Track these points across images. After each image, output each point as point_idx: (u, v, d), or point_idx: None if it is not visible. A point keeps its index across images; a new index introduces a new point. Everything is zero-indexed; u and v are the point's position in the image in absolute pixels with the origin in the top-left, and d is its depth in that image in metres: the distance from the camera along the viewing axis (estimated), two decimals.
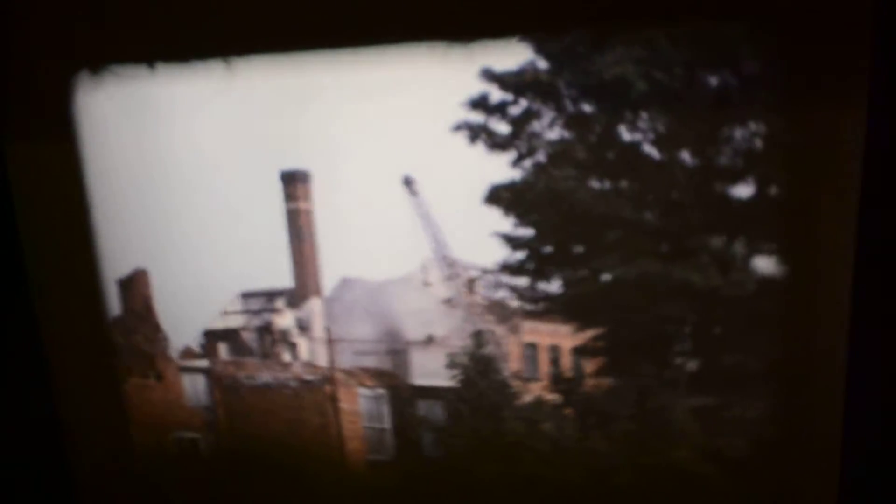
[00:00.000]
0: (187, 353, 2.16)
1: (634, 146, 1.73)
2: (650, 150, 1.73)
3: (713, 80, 1.63)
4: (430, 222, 1.89)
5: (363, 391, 2.09)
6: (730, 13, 1.57)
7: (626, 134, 1.73)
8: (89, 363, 2.19)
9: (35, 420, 2.21)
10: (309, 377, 2.11)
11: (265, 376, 2.13)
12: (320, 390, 2.11)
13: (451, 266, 1.93)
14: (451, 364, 1.99)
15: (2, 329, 2.14)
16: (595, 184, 1.78)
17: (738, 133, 1.65)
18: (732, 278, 1.73)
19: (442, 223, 1.88)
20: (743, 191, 1.69)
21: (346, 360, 2.09)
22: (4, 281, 2.11)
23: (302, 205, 1.98)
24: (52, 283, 2.13)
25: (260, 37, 1.84)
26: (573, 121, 1.76)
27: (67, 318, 2.15)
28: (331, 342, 2.09)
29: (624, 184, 1.77)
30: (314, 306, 2.07)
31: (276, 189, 1.96)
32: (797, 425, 1.78)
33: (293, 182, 1.96)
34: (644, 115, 1.70)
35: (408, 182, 1.87)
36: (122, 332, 2.16)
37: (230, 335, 2.13)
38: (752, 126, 1.64)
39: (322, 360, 2.10)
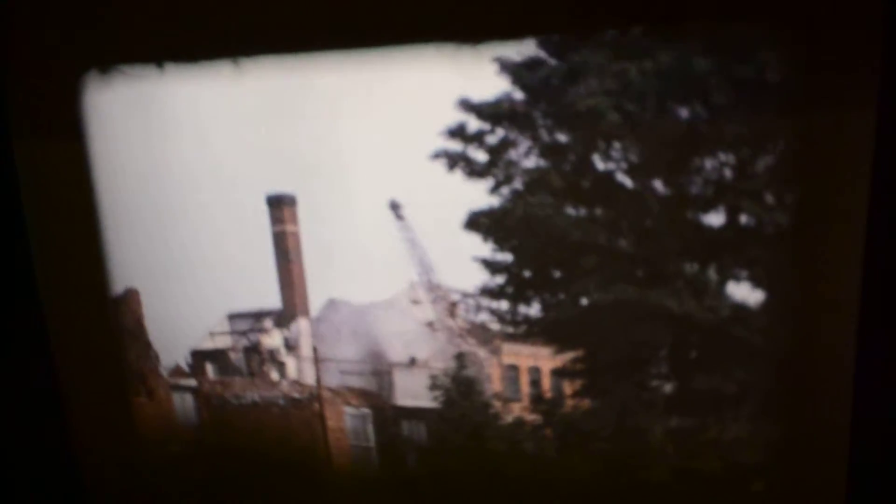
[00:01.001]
0: (177, 371, 2.23)
1: (608, 175, 1.79)
2: (623, 179, 1.79)
3: (683, 112, 1.70)
4: (417, 246, 1.95)
5: (349, 410, 2.15)
6: (738, 13, 1.62)
7: (600, 163, 1.79)
8: (96, 361, 2.24)
9: (40, 413, 2.27)
10: (296, 395, 2.17)
11: (253, 394, 2.20)
12: (308, 408, 2.17)
13: (436, 289, 2.00)
14: (434, 385, 2.05)
15: (9, 325, 2.18)
16: (571, 211, 1.84)
17: (709, 163, 1.72)
18: (706, 304, 1.80)
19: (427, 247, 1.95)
20: (714, 219, 1.76)
21: (332, 379, 2.15)
22: (12, 278, 2.16)
23: (289, 227, 2.04)
24: (60, 281, 2.17)
25: (269, 37, 1.87)
26: (548, 150, 1.82)
27: (75, 315, 2.20)
28: (318, 361, 2.15)
29: (599, 211, 1.83)
30: (302, 326, 2.13)
31: (264, 211, 2.04)
32: (804, 433, 1.83)
33: (279, 205, 2.02)
34: (617, 144, 1.77)
35: (394, 206, 1.93)
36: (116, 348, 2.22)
37: (218, 355, 2.20)
38: (722, 156, 1.71)
39: (309, 378, 2.16)
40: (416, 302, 2.02)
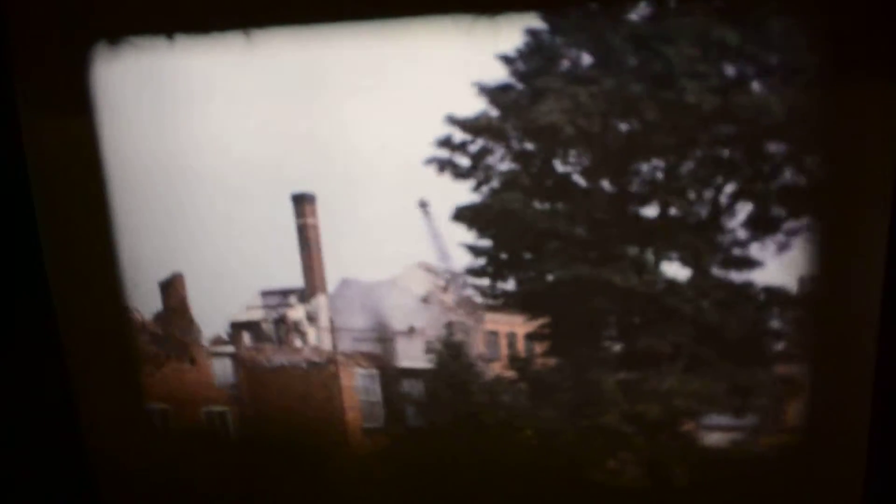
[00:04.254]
0: (217, 341, 2.55)
1: (566, 176, 2.16)
2: (578, 179, 2.16)
3: (623, 126, 2.12)
4: (438, 237, 2.24)
5: (359, 371, 2.45)
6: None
7: (559, 166, 2.15)
8: (105, 336, 2.39)
9: (50, 402, 2.42)
10: (316, 359, 2.48)
11: (281, 359, 2.51)
12: (326, 370, 2.48)
13: (452, 273, 2.30)
14: (429, 349, 2.37)
15: (17, 303, 2.26)
16: (537, 205, 2.20)
17: (644, 167, 2.13)
18: (645, 279, 2.18)
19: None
20: (650, 211, 2.15)
21: (346, 346, 2.45)
22: (20, 253, 2.22)
23: (309, 220, 2.35)
24: (68, 258, 2.28)
25: (281, 7, 1.94)
26: (518, 156, 2.17)
27: (83, 290, 2.33)
28: (334, 331, 2.45)
29: (559, 205, 2.18)
30: (321, 302, 2.43)
31: (289, 206, 2.35)
32: (825, 417, 2.03)
33: (302, 202, 2.34)
34: (572, 151, 2.14)
35: (423, 205, 2.22)
36: (163, 325, 2.50)
37: (252, 326, 2.50)
38: (655, 161, 2.14)
39: (327, 345, 2.47)
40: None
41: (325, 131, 2.17)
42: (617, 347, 2.26)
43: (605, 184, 2.15)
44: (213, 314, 2.51)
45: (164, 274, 2.45)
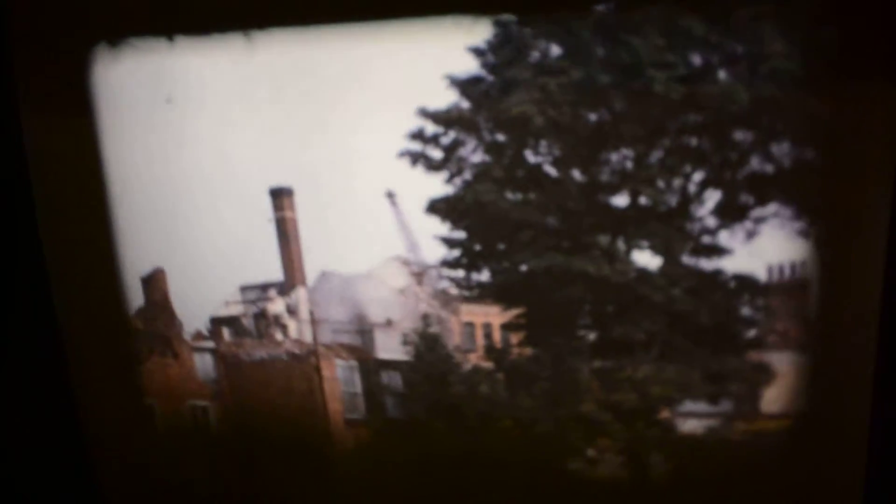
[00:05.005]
0: (198, 335, 2.56)
1: (538, 166, 2.18)
2: (549, 170, 2.18)
3: (592, 116, 2.14)
4: (407, 229, 2.25)
5: (340, 362, 2.48)
6: None
7: (530, 157, 2.17)
8: (106, 334, 2.41)
9: (51, 400, 2.42)
10: (297, 351, 2.50)
11: (261, 353, 2.53)
12: (307, 362, 2.50)
13: (422, 265, 2.33)
14: (406, 341, 2.39)
15: (18, 303, 2.27)
16: (510, 196, 2.21)
17: (614, 156, 2.15)
18: (617, 268, 2.20)
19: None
20: (621, 200, 2.16)
21: (326, 338, 2.48)
22: (20, 252, 2.22)
23: (288, 214, 2.35)
24: (69, 257, 2.29)
25: (281, 8, 1.96)
26: (490, 147, 2.19)
27: (84, 289, 2.34)
28: (314, 323, 2.48)
29: (532, 195, 2.20)
30: (300, 294, 2.45)
31: (267, 200, 2.35)
32: (824, 413, 2.03)
33: (280, 196, 2.34)
34: (543, 142, 2.15)
35: (390, 195, 2.23)
36: (145, 319, 2.51)
37: (232, 321, 2.51)
38: (624, 151, 2.16)
39: (308, 337, 2.49)
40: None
41: (307, 127, 2.21)
42: (592, 336, 2.29)
43: (576, 173, 2.18)
44: (193, 309, 2.53)
45: (145, 269, 2.46)
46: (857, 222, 1.90)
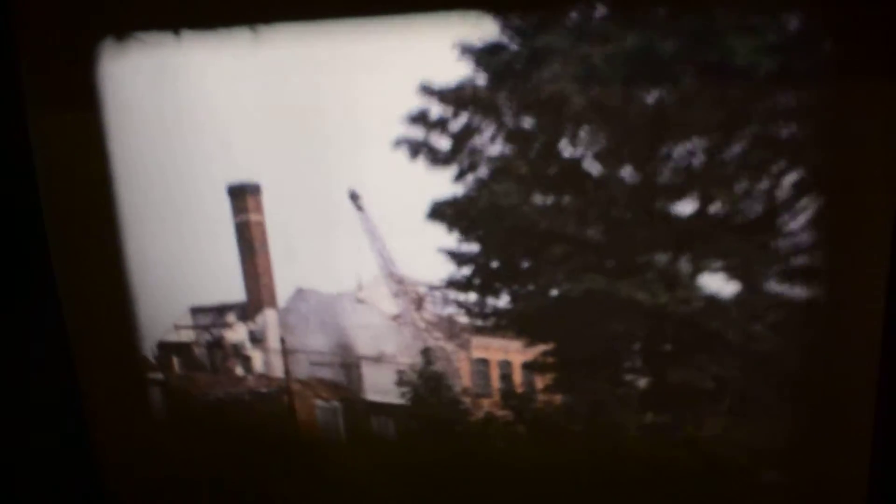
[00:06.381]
0: (144, 363, 2.36)
1: (575, 161, 1.87)
2: (591, 166, 1.87)
3: (650, 97, 1.78)
4: (377, 238, 2.04)
5: (319, 403, 2.24)
6: None
7: (566, 149, 1.87)
8: (110, 330, 2.34)
9: (56, 397, 2.38)
10: (264, 389, 2.27)
11: (217, 391, 2.31)
12: (277, 401, 2.27)
13: (398, 283, 2.08)
14: (401, 381, 2.15)
15: (24, 300, 2.27)
16: (538, 199, 1.93)
17: (677, 150, 1.80)
18: (679, 295, 1.89)
19: (389, 238, 2.04)
20: (685, 208, 1.84)
21: (302, 371, 2.24)
22: (26, 248, 2.25)
23: (253, 217, 2.13)
24: (74, 252, 2.27)
25: (287, 4, 1.93)
26: (513, 136, 1.90)
27: (89, 286, 2.30)
28: (286, 353, 2.24)
29: (566, 199, 1.91)
30: (269, 317, 2.22)
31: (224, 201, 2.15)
32: (826, 426, 1.89)
33: (242, 196, 2.12)
34: (583, 130, 1.84)
35: (354, 197, 2.02)
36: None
37: (182, 349, 2.30)
38: (692, 143, 1.79)
39: (278, 371, 2.26)
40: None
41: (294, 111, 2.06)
42: (642, 382, 1.99)
43: (626, 172, 1.86)
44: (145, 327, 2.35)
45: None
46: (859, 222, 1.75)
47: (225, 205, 2.15)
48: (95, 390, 2.40)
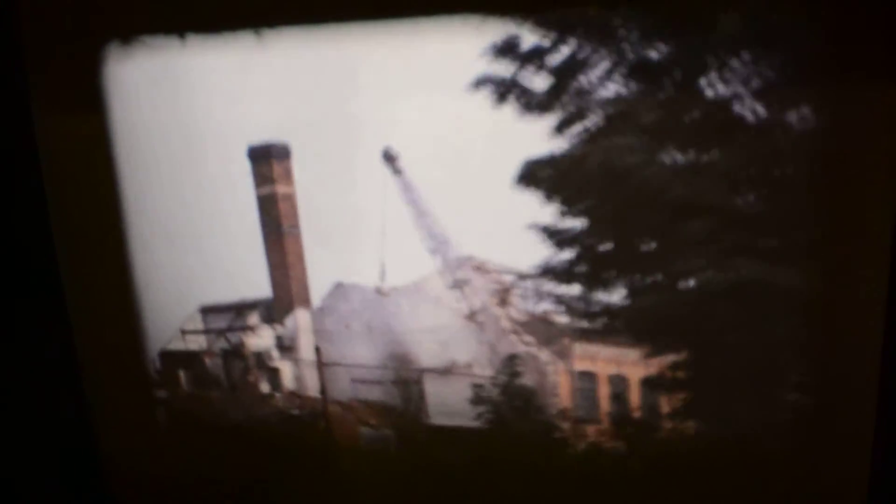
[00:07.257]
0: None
1: (723, 104, 1.62)
2: (745, 111, 1.63)
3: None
4: (421, 210, 1.86)
5: (366, 431, 2.07)
6: None
7: (709, 88, 1.63)
8: (116, 332, 2.27)
9: (62, 398, 2.30)
10: (295, 412, 2.10)
11: (237, 413, 2.13)
12: (311, 427, 2.08)
13: (459, 269, 1.90)
14: (478, 399, 1.96)
15: (29, 302, 2.24)
16: (669, 157, 1.70)
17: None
18: None
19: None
20: None
21: (342, 390, 2.07)
22: (32, 250, 2.25)
23: (280, 188, 1.97)
24: (80, 253, 2.25)
25: (292, 7, 1.92)
26: (636, 71, 1.67)
27: (96, 287, 2.26)
28: (322, 366, 2.07)
29: (710, 157, 1.67)
30: (300, 319, 2.06)
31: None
32: (826, 426, 1.78)
33: (266, 160, 1.95)
34: (736, 62, 1.60)
35: (388, 157, 1.83)
36: None
37: (191, 360, 2.14)
38: None
39: (312, 389, 2.09)
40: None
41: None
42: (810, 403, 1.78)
43: (797, 116, 1.60)
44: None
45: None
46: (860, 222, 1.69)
47: (245, 180, 2.00)
48: (101, 396, 2.30)
